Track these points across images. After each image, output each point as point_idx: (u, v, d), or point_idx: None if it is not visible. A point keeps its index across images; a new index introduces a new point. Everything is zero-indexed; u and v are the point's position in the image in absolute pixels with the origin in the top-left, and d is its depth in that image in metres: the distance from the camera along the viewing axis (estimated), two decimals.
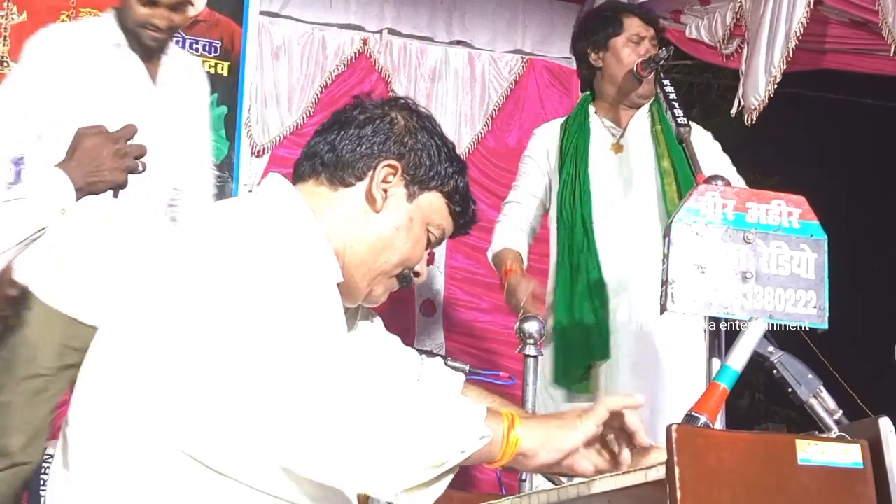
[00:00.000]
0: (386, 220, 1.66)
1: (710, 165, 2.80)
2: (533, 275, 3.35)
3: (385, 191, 1.66)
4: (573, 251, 3.22)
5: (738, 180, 3.01)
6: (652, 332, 3.13)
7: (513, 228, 3.38)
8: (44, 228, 2.03)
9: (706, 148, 3.16)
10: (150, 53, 3.13)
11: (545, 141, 3.44)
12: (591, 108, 3.40)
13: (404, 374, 1.78)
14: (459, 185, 1.73)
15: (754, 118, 4.04)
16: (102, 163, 2.15)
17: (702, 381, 2.94)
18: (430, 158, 1.69)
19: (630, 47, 3.28)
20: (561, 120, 3.52)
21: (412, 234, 1.69)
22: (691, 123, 2.94)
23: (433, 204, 1.71)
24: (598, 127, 3.36)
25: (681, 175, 3.14)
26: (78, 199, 2.11)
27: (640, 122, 3.33)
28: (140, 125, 2.19)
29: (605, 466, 1.53)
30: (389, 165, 1.66)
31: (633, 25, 3.30)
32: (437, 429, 1.37)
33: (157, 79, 3.17)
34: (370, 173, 1.66)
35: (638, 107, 3.34)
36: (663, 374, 3.09)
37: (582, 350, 3.17)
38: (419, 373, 1.82)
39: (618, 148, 3.31)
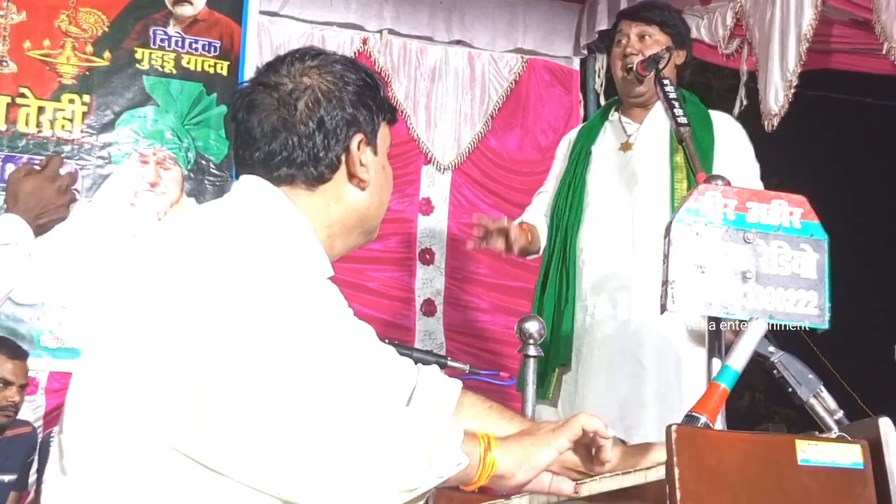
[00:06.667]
0: (370, 189, 1.66)
1: (735, 164, 2.98)
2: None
3: (361, 161, 1.63)
4: (553, 256, 3.29)
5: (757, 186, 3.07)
6: (637, 332, 3.11)
7: (533, 210, 3.48)
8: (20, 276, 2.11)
9: (738, 147, 3.21)
10: None
11: (569, 139, 3.54)
12: (614, 108, 3.45)
13: (393, 390, 1.76)
14: (389, 102, 1.71)
15: (775, 124, 4.05)
16: (48, 203, 2.19)
17: (688, 382, 3.00)
18: (370, 101, 1.65)
19: (616, 48, 3.36)
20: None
21: (388, 178, 1.70)
22: (734, 122, 3.23)
23: (384, 136, 1.69)
24: (614, 126, 3.40)
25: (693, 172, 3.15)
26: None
27: (657, 117, 3.33)
28: None
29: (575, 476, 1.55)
30: (359, 143, 1.63)
31: (621, 26, 3.37)
32: (412, 454, 1.36)
33: None
34: (343, 157, 1.62)
35: (645, 105, 3.35)
36: (642, 377, 3.08)
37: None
38: (414, 382, 1.81)
39: (627, 146, 3.33)
